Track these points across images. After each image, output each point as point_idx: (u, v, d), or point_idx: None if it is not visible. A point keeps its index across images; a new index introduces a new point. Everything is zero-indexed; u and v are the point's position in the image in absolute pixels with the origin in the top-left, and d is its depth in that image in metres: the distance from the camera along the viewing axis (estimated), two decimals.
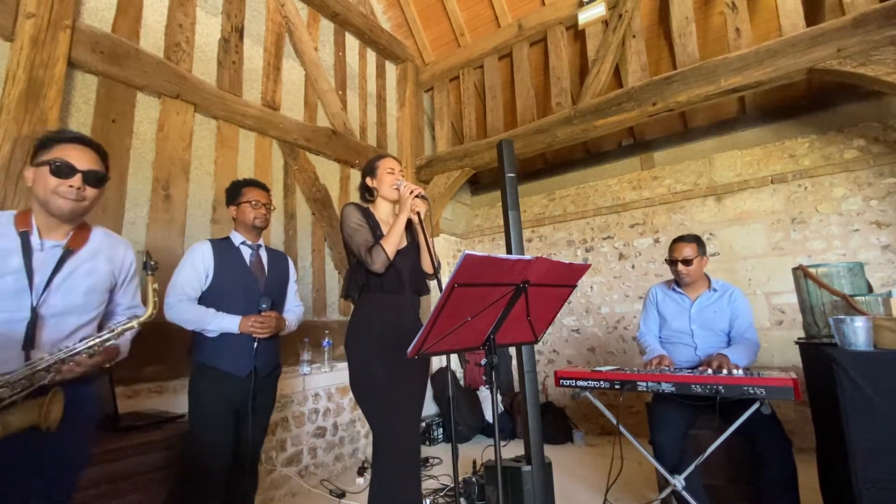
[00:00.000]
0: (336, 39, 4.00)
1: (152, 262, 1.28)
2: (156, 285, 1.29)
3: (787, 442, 1.84)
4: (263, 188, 2.02)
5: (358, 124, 4.09)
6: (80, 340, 1.19)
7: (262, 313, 1.83)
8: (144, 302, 1.32)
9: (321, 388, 3.12)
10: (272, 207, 2.03)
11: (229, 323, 1.77)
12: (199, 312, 1.77)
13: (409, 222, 1.81)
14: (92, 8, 2.42)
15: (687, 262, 2.23)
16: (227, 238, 1.97)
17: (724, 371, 1.85)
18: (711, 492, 2.04)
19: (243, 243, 1.95)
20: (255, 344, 1.81)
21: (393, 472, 1.66)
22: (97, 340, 1.20)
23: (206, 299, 1.82)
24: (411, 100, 4.56)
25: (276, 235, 3.24)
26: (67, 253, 1.23)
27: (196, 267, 1.82)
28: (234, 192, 1.98)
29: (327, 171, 3.74)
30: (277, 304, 1.98)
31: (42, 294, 1.17)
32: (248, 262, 1.93)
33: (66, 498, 1.24)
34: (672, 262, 2.29)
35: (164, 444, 1.80)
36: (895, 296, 1.64)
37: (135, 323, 1.27)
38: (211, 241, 1.91)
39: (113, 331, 1.24)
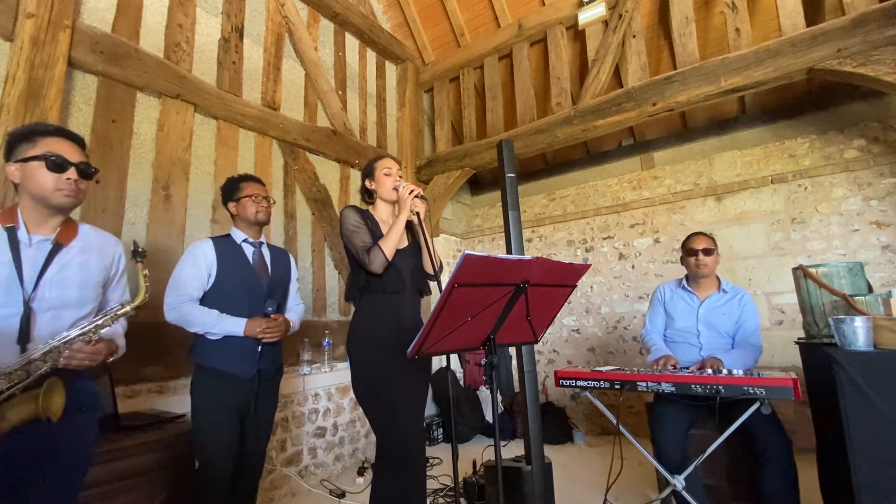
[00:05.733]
0: (336, 39, 4.00)
1: (141, 249, 1.30)
2: (146, 271, 1.31)
3: (787, 442, 1.84)
4: (261, 182, 1.97)
5: (358, 124, 4.09)
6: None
7: (271, 317, 1.79)
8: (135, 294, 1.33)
9: (321, 388, 3.12)
10: (273, 201, 1.98)
11: (234, 326, 1.72)
12: (202, 315, 1.71)
13: (410, 223, 1.81)
14: (92, 8, 2.42)
15: (708, 252, 2.22)
16: (228, 235, 1.90)
17: (724, 371, 1.85)
18: (711, 492, 2.04)
19: (245, 241, 1.89)
20: (260, 347, 1.77)
21: (396, 474, 1.65)
22: (90, 326, 1.21)
23: (207, 300, 1.77)
24: (411, 100, 4.56)
25: (276, 235, 3.24)
26: (57, 247, 1.24)
27: (198, 266, 1.75)
28: (232, 188, 1.92)
29: (327, 171, 3.74)
30: (281, 304, 1.94)
31: (34, 288, 1.17)
32: (251, 261, 1.87)
33: (68, 499, 1.23)
34: (692, 253, 2.25)
35: (164, 444, 1.79)
36: (895, 296, 1.63)
37: (128, 307, 1.27)
38: (212, 238, 1.85)
39: (106, 315, 1.24)
